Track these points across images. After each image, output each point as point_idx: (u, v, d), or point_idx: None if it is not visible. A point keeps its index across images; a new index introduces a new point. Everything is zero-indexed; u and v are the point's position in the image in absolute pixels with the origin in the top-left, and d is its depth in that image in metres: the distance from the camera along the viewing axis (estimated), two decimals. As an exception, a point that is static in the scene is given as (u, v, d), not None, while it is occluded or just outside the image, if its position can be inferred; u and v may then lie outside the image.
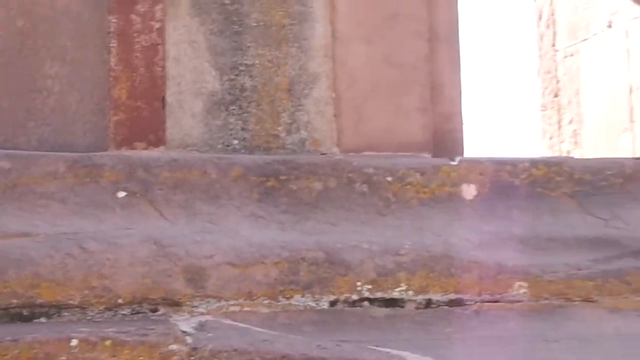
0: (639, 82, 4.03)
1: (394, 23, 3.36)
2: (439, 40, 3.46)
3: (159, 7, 3.28)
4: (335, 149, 3.30)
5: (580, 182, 3.15)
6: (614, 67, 4.16)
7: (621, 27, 4.12)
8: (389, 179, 3.06)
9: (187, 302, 2.76)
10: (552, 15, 4.52)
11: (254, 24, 3.31)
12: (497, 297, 2.95)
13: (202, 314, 2.74)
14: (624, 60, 4.10)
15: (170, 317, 2.72)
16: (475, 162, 3.14)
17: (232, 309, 2.78)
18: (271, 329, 2.73)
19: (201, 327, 2.64)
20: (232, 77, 3.30)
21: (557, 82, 4.49)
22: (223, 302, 2.78)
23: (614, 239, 3.07)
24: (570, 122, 4.40)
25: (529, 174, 3.13)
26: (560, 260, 3.01)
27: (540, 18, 4.58)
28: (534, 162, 3.15)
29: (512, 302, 2.95)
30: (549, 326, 2.92)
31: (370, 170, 3.07)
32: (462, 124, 3.53)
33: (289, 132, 3.30)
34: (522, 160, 3.15)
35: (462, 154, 3.47)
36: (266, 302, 2.82)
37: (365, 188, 3.05)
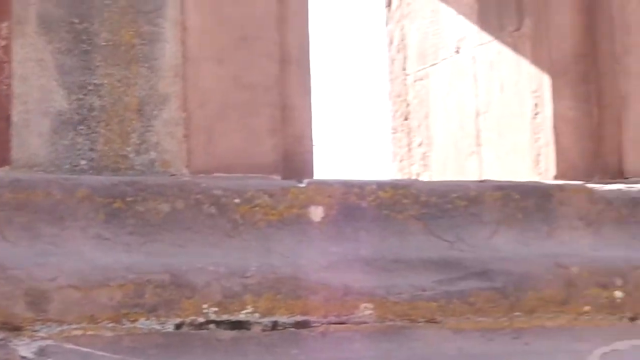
0: (486, 107, 4.12)
1: (246, 44, 3.37)
2: (290, 62, 3.49)
3: (4, 24, 3.21)
4: (185, 170, 3.28)
5: (426, 204, 3.20)
6: (462, 92, 4.25)
7: (469, 53, 4.22)
8: (237, 200, 3.06)
9: (28, 326, 2.70)
10: (403, 40, 4.60)
11: (103, 43, 3.27)
12: (344, 318, 2.97)
13: (43, 338, 2.68)
14: (471, 85, 4.20)
15: (10, 341, 2.66)
16: (324, 184, 3.16)
17: (74, 332, 2.74)
18: (115, 352, 2.70)
19: (41, 351, 2.59)
20: (81, 96, 3.25)
21: (408, 105, 4.56)
22: (65, 326, 2.73)
23: (458, 260, 3.13)
24: (420, 145, 4.48)
25: (376, 196, 3.17)
26: (405, 282, 3.05)
27: (391, 42, 4.65)
28: (381, 185, 3.19)
29: (358, 323, 2.98)
30: (394, 347, 2.95)
31: (219, 192, 3.06)
32: (312, 146, 3.55)
33: (138, 153, 3.27)
34: (369, 183, 3.19)
35: (312, 176, 3.49)
36: (110, 325, 2.78)
37: (213, 210, 3.04)
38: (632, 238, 3.32)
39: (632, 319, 3.21)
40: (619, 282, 3.20)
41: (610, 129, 3.79)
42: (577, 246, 3.26)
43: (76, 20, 3.25)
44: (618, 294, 3.19)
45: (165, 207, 2.99)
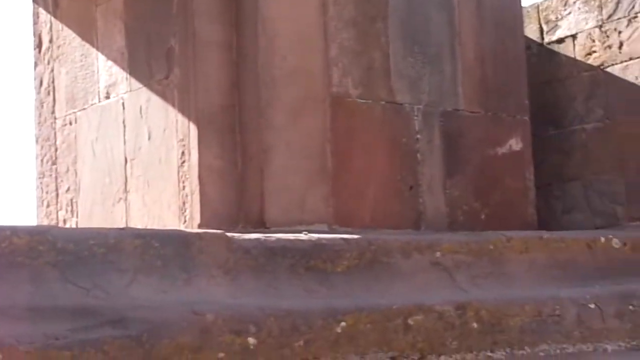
0: (134, 153, 4.12)
1: None
2: None
3: None
4: None
5: (63, 251, 3.15)
6: (111, 138, 4.23)
7: (118, 99, 4.21)
8: None
9: None
10: (53, 82, 4.52)
11: None
12: (-34, 370, 2.86)
13: None
14: (120, 131, 4.19)
15: None
16: (-46, 230, 3.04)
17: None
18: None
19: None
20: None
21: (56, 150, 4.48)
22: None
23: (94, 308, 3.09)
24: (68, 190, 4.40)
25: (10, 242, 3.08)
26: (38, 330, 2.97)
27: (40, 85, 4.56)
28: (16, 231, 3.11)
29: (-19, 373, 2.87)
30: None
31: None
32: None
33: None
34: (3, 229, 3.10)
35: (-51, 220, 3.36)
36: None
37: None
38: (267, 286, 3.41)
39: (265, 366, 3.29)
40: (253, 329, 3.26)
41: (253, 180, 3.89)
42: (214, 294, 3.30)
43: None
44: (252, 340, 3.25)
45: None
